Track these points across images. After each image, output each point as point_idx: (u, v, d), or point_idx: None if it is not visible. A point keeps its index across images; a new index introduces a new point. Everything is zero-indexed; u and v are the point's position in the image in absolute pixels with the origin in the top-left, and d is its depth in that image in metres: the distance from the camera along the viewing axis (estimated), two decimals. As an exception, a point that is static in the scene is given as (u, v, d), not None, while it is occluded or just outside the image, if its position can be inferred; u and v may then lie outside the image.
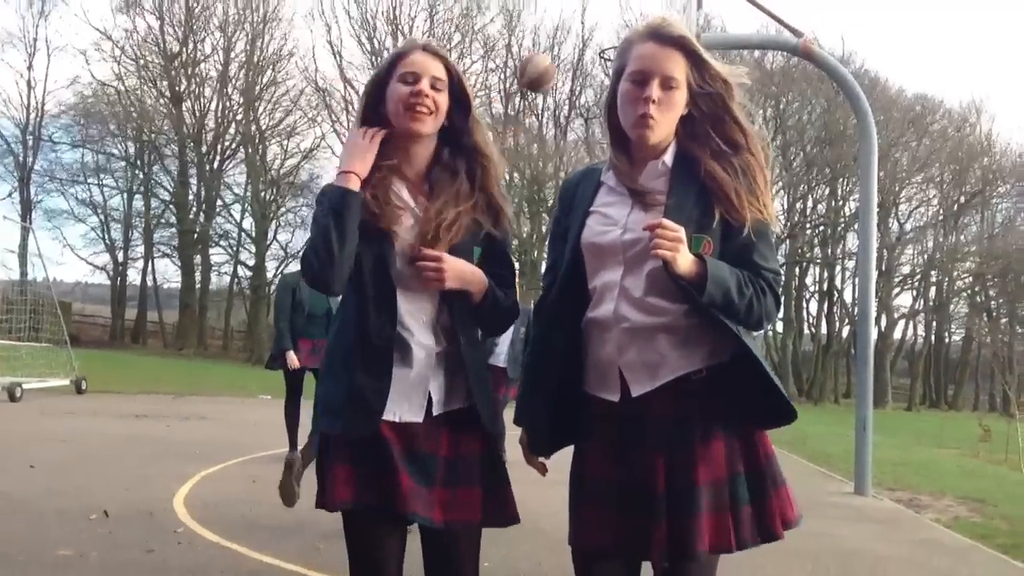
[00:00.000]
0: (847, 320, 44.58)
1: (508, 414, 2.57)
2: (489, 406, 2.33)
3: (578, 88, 41.27)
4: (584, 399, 2.27)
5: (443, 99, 2.32)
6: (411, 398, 2.27)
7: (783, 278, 2.26)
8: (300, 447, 6.60)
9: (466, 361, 2.31)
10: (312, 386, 3.84)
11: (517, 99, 41.37)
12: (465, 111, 2.38)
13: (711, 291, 2.07)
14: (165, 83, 40.31)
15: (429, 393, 2.28)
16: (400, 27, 39.28)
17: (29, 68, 40.06)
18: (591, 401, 2.25)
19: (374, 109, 2.36)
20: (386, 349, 2.24)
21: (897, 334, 47.57)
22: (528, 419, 2.37)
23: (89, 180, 41.25)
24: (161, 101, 40.37)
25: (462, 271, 2.26)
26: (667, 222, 2.05)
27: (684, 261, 2.05)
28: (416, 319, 2.29)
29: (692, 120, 2.26)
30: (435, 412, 2.28)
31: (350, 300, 2.31)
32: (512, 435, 2.42)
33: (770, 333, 46.68)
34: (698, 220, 2.16)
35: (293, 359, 7.28)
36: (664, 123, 2.21)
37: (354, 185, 2.23)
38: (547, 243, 2.47)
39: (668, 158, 2.24)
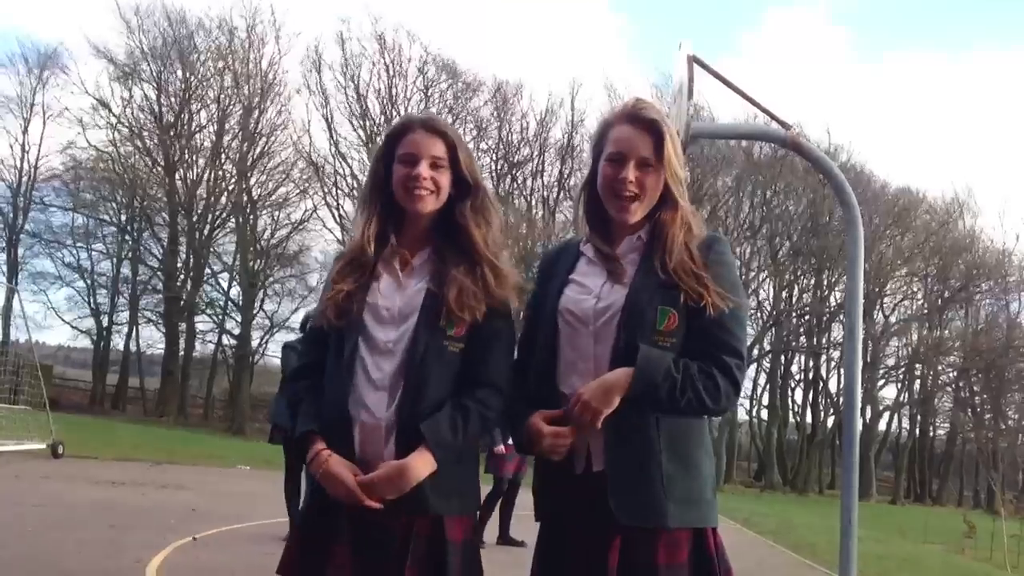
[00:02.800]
0: (832, 410, 44.53)
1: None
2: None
3: (567, 170, 41.79)
4: (556, 468, 2.27)
5: (445, 177, 2.35)
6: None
7: (745, 362, 2.27)
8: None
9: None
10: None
11: (508, 180, 41.83)
12: (462, 184, 2.39)
13: (636, 389, 2.14)
14: (159, 152, 40.64)
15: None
16: (396, 106, 39.87)
17: (24, 132, 40.38)
18: (563, 472, 2.26)
19: (380, 189, 2.40)
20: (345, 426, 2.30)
21: (882, 426, 47.56)
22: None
23: (78, 244, 41.32)
24: (155, 169, 40.64)
25: (399, 483, 2.20)
26: (586, 400, 2.14)
27: (609, 407, 2.14)
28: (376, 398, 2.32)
29: (667, 198, 2.32)
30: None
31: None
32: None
33: (755, 421, 46.60)
34: (663, 294, 2.20)
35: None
36: (645, 202, 2.29)
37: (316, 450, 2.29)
38: (521, 314, 2.48)
39: (644, 233, 2.32)
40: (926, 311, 46.72)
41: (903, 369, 47.17)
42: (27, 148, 40.30)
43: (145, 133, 40.86)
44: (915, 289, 47.56)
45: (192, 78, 40.70)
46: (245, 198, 40.38)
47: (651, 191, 2.29)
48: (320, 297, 2.46)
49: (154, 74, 40.28)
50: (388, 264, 2.37)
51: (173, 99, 40.90)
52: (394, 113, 39.31)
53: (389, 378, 2.27)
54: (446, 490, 2.26)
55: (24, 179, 40.24)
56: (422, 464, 2.20)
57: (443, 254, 2.36)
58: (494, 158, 41.87)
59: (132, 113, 40.53)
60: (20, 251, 40.22)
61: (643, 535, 2.15)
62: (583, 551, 2.19)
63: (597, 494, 2.17)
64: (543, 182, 43.46)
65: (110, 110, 39.81)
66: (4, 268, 38.99)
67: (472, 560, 2.31)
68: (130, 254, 41.62)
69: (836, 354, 43.87)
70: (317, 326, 2.39)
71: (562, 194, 42.03)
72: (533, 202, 42.78)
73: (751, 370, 40.15)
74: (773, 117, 4.87)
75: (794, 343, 45.15)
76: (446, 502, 2.26)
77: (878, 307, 45.10)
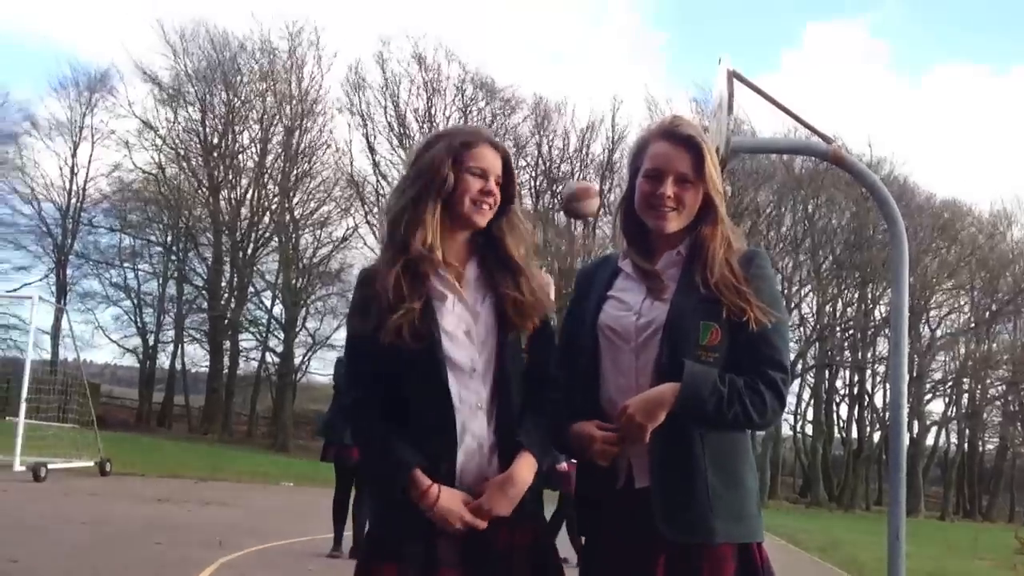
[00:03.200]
0: (878, 425, 43.91)
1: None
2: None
3: (608, 186, 41.74)
4: (598, 484, 2.27)
5: (498, 193, 2.37)
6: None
7: (790, 376, 2.27)
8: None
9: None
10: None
11: (547, 196, 41.88)
12: (508, 198, 2.40)
13: (682, 404, 2.13)
14: (204, 172, 41.23)
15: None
16: (435, 125, 40.11)
17: (73, 155, 41.17)
18: (604, 489, 2.26)
19: (440, 193, 2.30)
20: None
21: (930, 441, 46.80)
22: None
23: (125, 264, 41.99)
24: (199, 190, 41.24)
25: (508, 498, 2.21)
26: (631, 414, 2.14)
27: (655, 422, 2.13)
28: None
29: (707, 213, 2.32)
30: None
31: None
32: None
33: (799, 436, 46.07)
34: (706, 309, 2.20)
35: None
36: (683, 214, 2.29)
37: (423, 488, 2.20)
38: (559, 328, 2.48)
39: (683, 248, 2.32)
40: (973, 325, 45.97)
41: (950, 383, 46.44)
42: (76, 170, 41.13)
43: (190, 154, 41.53)
44: (962, 302, 46.85)
45: (235, 99, 41.31)
46: (287, 217, 40.83)
47: (689, 207, 2.29)
48: (360, 307, 2.30)
49: (198, 96, 40.95)
50: (442, 279, 2.30)
51: (217, 120, 41.55)
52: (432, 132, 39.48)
53: (487, 401, 2.26)
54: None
55: (73, 201, 41.07)
56: (527, 470, 2.23)
57: (488, 267, 2.36)
58: (533, 174, 41.98)
59: (177, 135, 41.26)
60: (69, 271, 40.99)
61: (688, 552, 2.14)
62: (626, 567, 2.19)
63: (639, 510, 2.16)
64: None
65: (156, 132, 40.54)
66: (53, 288, 39.72)
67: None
68: (175, 273, 42.26)
69: (881, 368, 43.29)
70: (388, 343, 2.20)
71: (602, 210, 42.01)
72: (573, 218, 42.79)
73: (795, 385, 39.73)
74: (814, 131, 4.84)
75: (838, 358, 44.61)
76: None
77: (924, 321, 44.45)
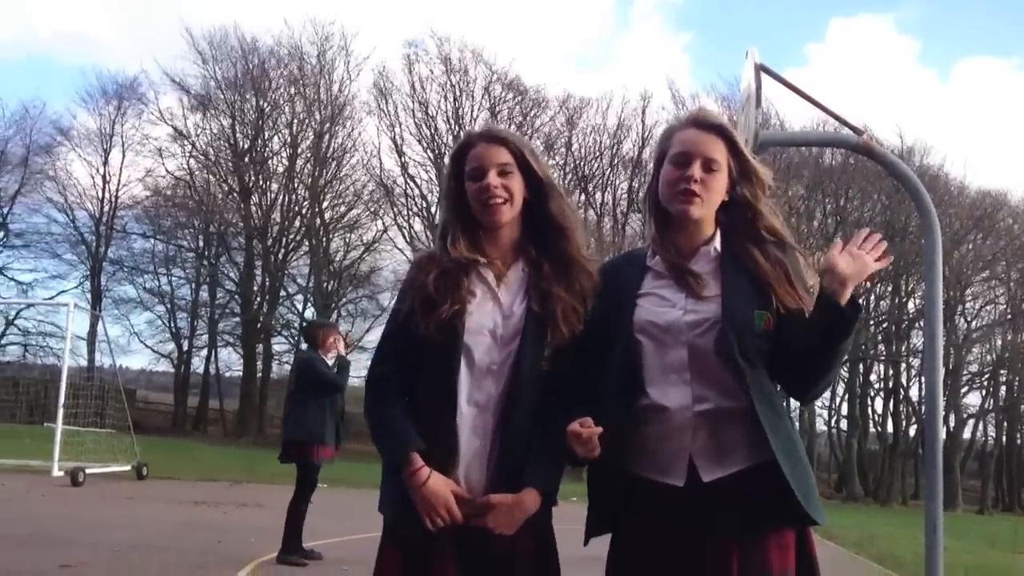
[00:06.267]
0: (914, 419, 43.44)
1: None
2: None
3: (637, 184, 41.61)
4: (634, 483, 2.24)
5: (516, 182, 2.33)
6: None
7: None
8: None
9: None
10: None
11: (577, 194, 41.83)
12: (535, 185, 2.36)
13: (852, 322, 2.14)
14: (234, 178, 41.56)
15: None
16: (463, 126, 40.17)
17: (105, 163, 41.66)
18: (644, 486, 2.22)
19: (456, 208, 2.36)
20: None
21: (967, 434, 46.20)
22: (589, 502, 2.36)
23: (158, 270, 42.44)
24: (231, 195, 41.58)
25: (513, 520, 2.22)
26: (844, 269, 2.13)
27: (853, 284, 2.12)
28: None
29: (734, 207, 2.31)
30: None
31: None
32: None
33: (834, 432, 45.68)
34: (756, 298, 2.21)
35: None
36: (707, 202, 2.27)
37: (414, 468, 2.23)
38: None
39: (717, 244, 2.30)
40: (1010, 316, 45.30)
41: (987, 376, 45.84)
42: (108, 178, 41.64)
43: (221, 160, 41.87)
44: (998, 294, 46.18)
45: (265, 105, 41.60)
46: (318, 221, 41.09)
47: (714, 193, 2.27)
48: (406, 289, 2.38)
49: (228, 102, 41.30)
50: (482, 279, 2.32)
51: (247, 126, 41.86)
52: (461, 133, 39.61)
53: (495, 401, 2.27)
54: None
55: (106, 208, 41.56)
56: (533, 504, 2.24)
57: (538, 265, 2.34)
58: (563, 173, 41.93)
59: (208, 141, 41.64)
60: (103, 279, 41.49)
61: (758, 540, 2.13)
62: (684, 564, 2.14)
63: (707, 504, 2.14)
64: (613, 196, 43.39)
65: (187, 139, 40.92)
66: (88, 296, 40.19)
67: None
68: (208, 278, 42.62)
69: (916, 362, 42.78)
70: (417, 332, 2.28)
71: (631, 208, 41.88)
72: (603, 214, 42.70)
73: (829, 380, 39.31)
74: (844, 123, 4.80)
75: (872, 351, 44.18)
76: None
77: (959, 313, 43.91)
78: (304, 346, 9.33)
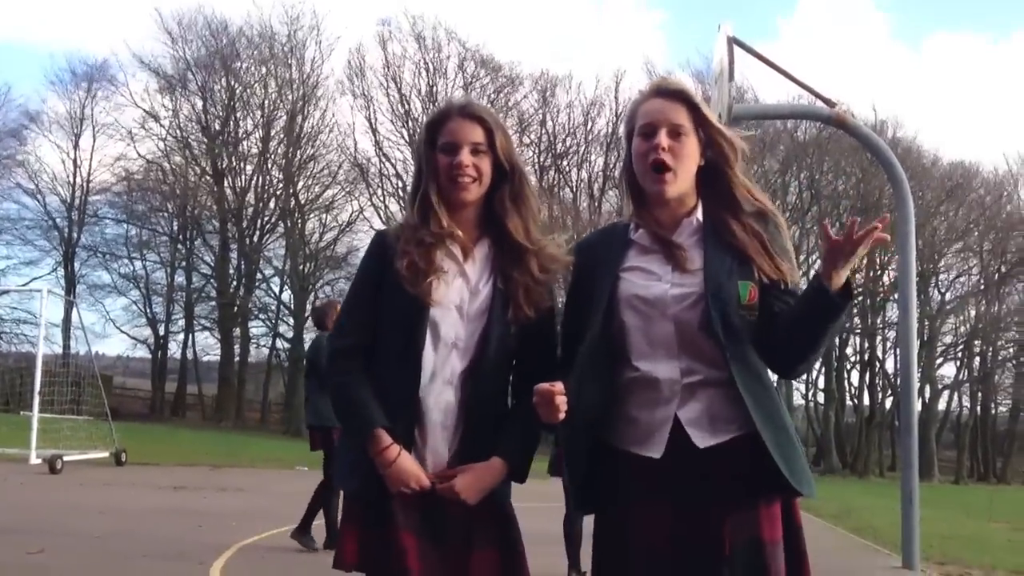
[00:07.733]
0: (889, 391, 43.87)
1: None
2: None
3: (612, 161, 41.62)
4: (620, 457, 2.23)
5: (485, 163, 2.32)
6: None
7: None
8: None
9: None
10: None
11: (552, 172, 41.79)
12: (501, 168, 2.35)
13: (844, 307, 2.15)
14: (207, 160, 41.21)
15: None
16: (437, 104, 39.95)
17: (75, 147, 41.18)
18: (631, 459, 2.21)
19: (438, 182, 2.34)
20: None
21: (942, 405, 46.74)
22: (570, 478, 2.34)
23: (132, 255, 42.09)
24: (204, 178, 41.23)
25: (479, 488, 2.23)
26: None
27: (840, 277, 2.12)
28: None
29: (709, 176, 2.30)
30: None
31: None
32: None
33: (811, 405, 46.10)
34: (739, 269, 2.21)
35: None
36: (680, 173, 2.25)
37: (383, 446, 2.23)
38: (563, 306, 2.42)
39: (699, 214, 2.30)
40: (983, 287, 45.77)
41: (961, 346, 46.35)
42: (79, 163, 41.21)
43: (193, 142, 41.51)
44: (971, 265, 46.61)
45: (236, 86, 41.22)
46: (293, 202, 40.84)
47: (686, 160, 2.25)
48: (367, 264, 2.40)
49: (199, 83, 40.89)
50: (450, 254, 2.32)
51: (219, 108, 41.49)
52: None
53: (459, 376, 2.27)
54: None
55: (77, 193, 41.13)
56: (500, 475, 2.26)
57: (501, 246, 2.35)
58: (537, 151, 41.86)
59: (180, 123, 41.23)
60: (76, 264, 41.11)
61: (751, 510, 2.12)
62: (682, 535, 2.13)
63: (697, 471, 2.13)
64: (589, 173, 43.40)
65: (158, 121, 40.51)
66: (62, 282, 39.83)
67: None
68: (183, 262, 42.33)
69: (892, 334, 43.17)
70: (383, 305, 2.30)
71: (607, 184, 41.91)
72: (578, 192, 42.72)
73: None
74: (817, 95, 4.82)
75: (848, 324, 44.52)
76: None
77: (933, 285, 44.33)
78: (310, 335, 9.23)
